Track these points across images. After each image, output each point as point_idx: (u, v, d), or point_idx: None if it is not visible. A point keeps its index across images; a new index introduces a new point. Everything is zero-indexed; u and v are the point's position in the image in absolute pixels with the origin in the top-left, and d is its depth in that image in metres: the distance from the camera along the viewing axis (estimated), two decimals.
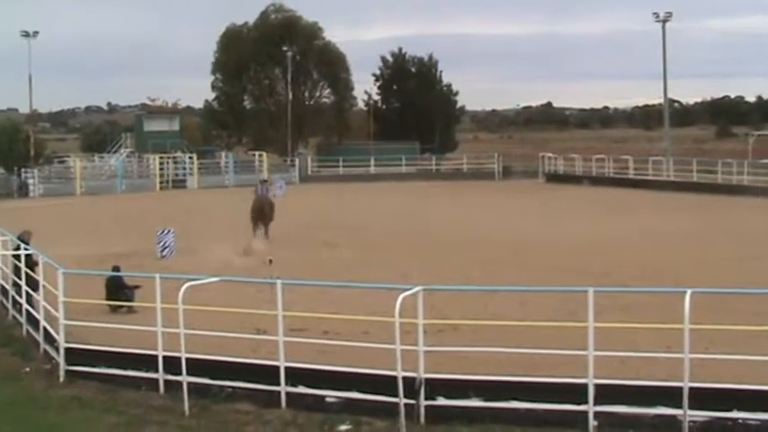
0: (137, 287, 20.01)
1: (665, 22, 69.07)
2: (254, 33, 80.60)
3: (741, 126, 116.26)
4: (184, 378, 13.41)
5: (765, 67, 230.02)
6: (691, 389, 11.53)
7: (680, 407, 11.60)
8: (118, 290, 20.11)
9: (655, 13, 69.15)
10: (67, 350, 15.24)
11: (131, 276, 20.47)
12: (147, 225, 32.82)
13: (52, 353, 15.97)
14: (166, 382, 14.06)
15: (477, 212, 43.22)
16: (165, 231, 28.96)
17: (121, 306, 19.69)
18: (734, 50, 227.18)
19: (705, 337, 13.73)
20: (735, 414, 11.82)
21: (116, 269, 21.03)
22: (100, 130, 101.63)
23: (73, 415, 13.36)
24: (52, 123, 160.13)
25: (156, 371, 14.13)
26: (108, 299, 19.70)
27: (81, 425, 12.95)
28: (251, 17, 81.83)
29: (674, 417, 11.78)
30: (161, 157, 63.66)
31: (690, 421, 11.59)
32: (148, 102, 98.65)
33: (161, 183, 62.13)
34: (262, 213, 33.99)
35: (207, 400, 13.56)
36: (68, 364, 15.18)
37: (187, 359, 13.47)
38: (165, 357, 13.98)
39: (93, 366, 14.94)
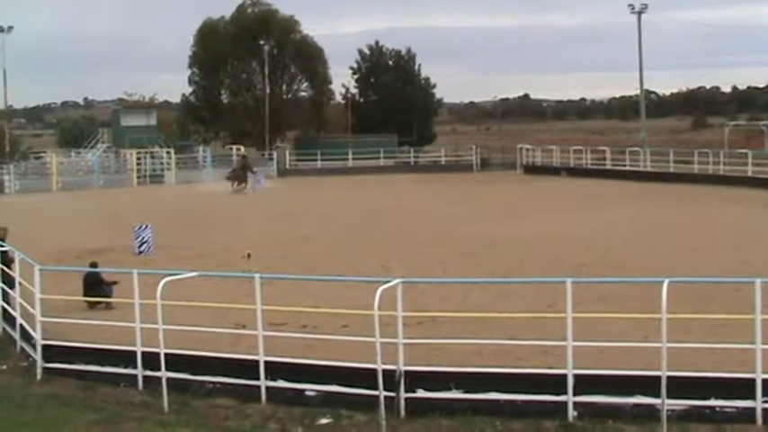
0: (115, 283, 19.91)
1: (640, 13, 69.47)
2: (230, 27, 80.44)
3: (717, 117, 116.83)
4: (163, 374, 13.35)
5: (740, 58, 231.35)
6: (669, 378, 11.57)
7: (658, 396, 11.63)
8: (95, 286, 19.99)
9: (630, 5, 69.55)
10: (45, 347, 15.13)
11: (109, 272, 20.37)
12: (125, 221, 32.69)
13: (29, 350, 15.86)
14: (145, 378, 13.99)
15: (456, 204, 43.24)
16: (143, 227, 28.83)
17: (99, 302, 19.56)
18: (709, 42, 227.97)
19: (683, 326, 13.80)
20: (712, 402, 11.89)
21: (93, 265, 20.91)
22: (76, 126, 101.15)
23: (50, 412, 13.28)
24: (28, 119, 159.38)
25: (135, 367, 14.06)
26: (86, 295, 19.61)
27: (59, 422, 12.86)
28: (227, 11, 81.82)
29: (652, 406, 11.82)
30: (138, 152, 63.36)
31: (668, 410, 11.63)
32: (125, 97, 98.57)
33: (138, 178, 61.83)
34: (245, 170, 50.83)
35: (186, 396, 13.49)
36: (46, 362, 15.08)
37: (166, 355, 13.41)
38: (143, 353, 13.91)
39: (71, 363, 14.84)
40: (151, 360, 13.70)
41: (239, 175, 53.54)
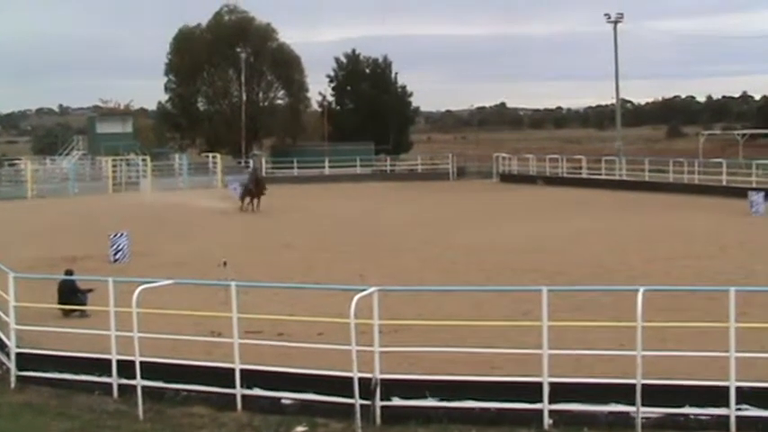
0: (90, 291, 19.80)
1: (616, 23, 69.89)
2: (207, 35, 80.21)
3: (692, 126, 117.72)
4: (138, 382, 13.31)
5: (715, 68, 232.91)
6: (644, 386, 11.64)
7: (633, 404, 11.70)
8: (70, 294, 19.88)
9: (606, 14, 69.92)
10: (19, 355, 15.06)
11: (84, 280, 20.27)
12: (100, 228, 32.54)
13: (3, 359, 15.76)
14: (120, 386, 13.95)
15: (432, 213, 43.32)
16: (119, 234, 28.71)
17: (74, 310, 19.48)
18: (685, 51, 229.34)
19: (658, 335, 13.87)
20: (687, 410, 11.96)
21: (69, 273, 20.82)
22: (51, 133, 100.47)
23: (24, 421, 13.21)
24: (2, 126, 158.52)
25: (110, 375, 14.02)
26: (60, 303, 19.50)
27: (33, 431, 12.80)
28: (204, 18, 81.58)
29: (627, 413, 11.88)
30: (114, 160, 63.11)
31: (643, 418, 11.70)
32: (101, 104, 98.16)
33: (114, 185, 61.57)
34: (258, 184, 43.06)
35: (161, 404, 13.46)
36: (20, 370, 15.00)
37: (141, 363, 13.38)
38: (118, 361, 13.87)
39: (46, 371, 14.77)
40: (126, 368, 13.67)
41: (251, 191, 45.25)
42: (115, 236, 28.70)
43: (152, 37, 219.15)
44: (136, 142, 70.72)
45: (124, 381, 13.83)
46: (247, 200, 44.98)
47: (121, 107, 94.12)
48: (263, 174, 46.81)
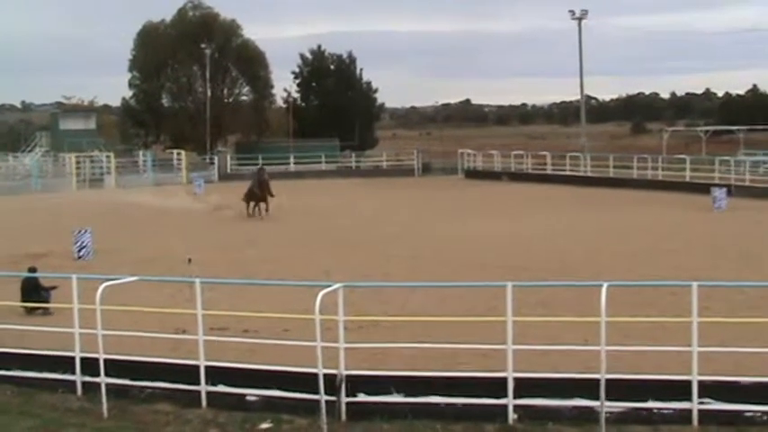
0: (53, 288, 19.67)
1: (581, 19, 70.10)
2: (171, 31, 79.83)
3: (656, 122, 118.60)
4: (102, 379, 13.24)
5: (679, 64, 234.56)
6: (607, 380, 11.71)
7: (597, 398, 11.77)
8: (33, 291, 19.73)
9: (571, 11, 70.17)
10: None
11: (48, 277, 20.13)
12: (64, 225, 32.31)
13: None
14: (84, 383, 13.87)
15: (398, 209, 43.34)
16: (82, 231, 28.53)
17: (37, 308, 19.34)
18: (649, 48, 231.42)
19: (621, 330, 13.96)
20: (650, 404, 12.06)
21: (32, 270, 20.65)
22: (14, 130, 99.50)
23: None
24: None
25: (74, 373, 13.93)
26: (23, 301, 19.34)
27: None
28: (168, 14, 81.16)
29: (591, 408, 11.96)
30: (77, 156, 62.64)
31: (607, 412, 11.77)
32: (64, 100, 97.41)
33: (78, 182, 61.13)
34: (263, 187, 40.06)
35: (126, 401, 13.40)
36: None
37: (105, 360, 13.30)
38: (82, 359, 13.78)
39: (8, 369, 14.64)
40: (90, 366, 13.59)
41: (256, 194, 40.64)
42: (79, 233, 28.51)
43: (116, 33, 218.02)
44: (99, 139, 70.24)
45: (88, 378, 13.75)
46: (252, 204, 40.66)
47: (85, 103, 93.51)
48: (267, 176, 41.11)
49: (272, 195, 40.30)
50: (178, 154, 67.86)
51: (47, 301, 19.44)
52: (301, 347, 12.85)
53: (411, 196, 51.49)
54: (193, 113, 79.06)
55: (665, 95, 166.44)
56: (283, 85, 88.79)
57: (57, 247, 28.98)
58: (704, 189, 44.66)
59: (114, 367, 13.47)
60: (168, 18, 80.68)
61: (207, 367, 13.23)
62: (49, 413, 13.24)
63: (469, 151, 68.69)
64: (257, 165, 67.14)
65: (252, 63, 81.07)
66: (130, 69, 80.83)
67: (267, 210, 40.26)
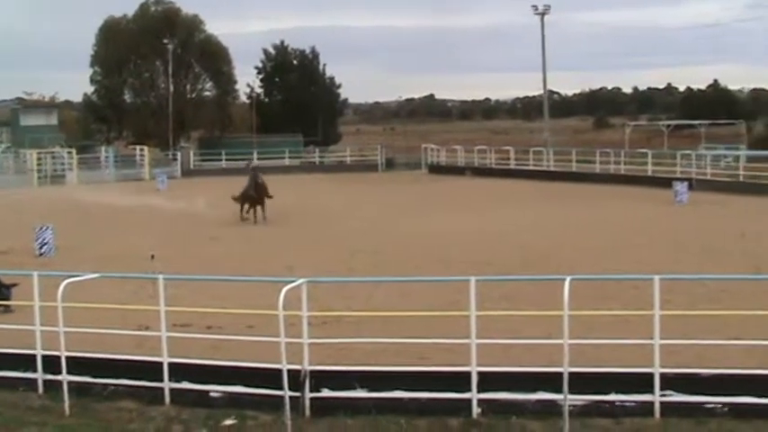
0: (14, 285, 19.47)
1: (543, 15, 70.44)
2: (133, 26, 79.31)
3: (618, 117, 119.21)
4: (64, 377, 13.13)
5: (642, 60, 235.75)
6: (570, 374, 11.76)
7: (560, 391, 11.82)
8: None
9: (534, 6, 70.43)
10: None
11: (8, 274, 19.93)
12: (25, 222, 32.05)
13: None
14: (45, 381, 13.74)
15: (361, 204, 43.35)
16: (44, 228, 28.31)
17: None
18: (611, 43, 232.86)
19: (584, 323, 14.02)
20: (613, 397, 12.13)
21: None
22: None
23: None
24: None
25: (35, 370, 13.80)
26: None
27: None
28: (130, 9, 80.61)
29: (554, 401, 12.01)
30: (39, 153, 62.12)
31: (570, 405, 11.82)
32: (24, 96, 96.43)
33: (39, 178, 60.64)
34: (259, 189, 37.39)
35: (88, 399, 13.29)
36: None
37: (67, 358, 13.19)
38: (43, 356, 13.66)
39: None
40: (51, 363, 13.46)
41: (251, 197, 37.55)
42: (40, 229, 28.30)
43: (77, 28, 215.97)
44: (61, 135, 69.69)
45: (50, 376, 13.63)
46: (246, 207, 37.58)
47: (46, 99, 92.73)
48: (262, 178, 38.04)
49: (269, 197, 37.43)
50: (141, 150, 67.44)
51: (7, 299, 19.25)
52: (265, 343, 12.81)
53: (375, 191, 51.51)
54: (156, 109, 78.62)
55: (628, 90, 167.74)
56: (246, 80, 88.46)
57: (18, 243, 28.75)
58: (666, 183, 45.06)
59: (76, 365, 13.35)
60: (130, 13, 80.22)
61: (170, 364, 13.15)
62: (9, 411, 13.11)
63: (433, 146, 68.84)
64: (220, 161, 67.25)
65: (215, 58, 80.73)
66: (92, 65, 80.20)
67: (264, 214, 37.20)
